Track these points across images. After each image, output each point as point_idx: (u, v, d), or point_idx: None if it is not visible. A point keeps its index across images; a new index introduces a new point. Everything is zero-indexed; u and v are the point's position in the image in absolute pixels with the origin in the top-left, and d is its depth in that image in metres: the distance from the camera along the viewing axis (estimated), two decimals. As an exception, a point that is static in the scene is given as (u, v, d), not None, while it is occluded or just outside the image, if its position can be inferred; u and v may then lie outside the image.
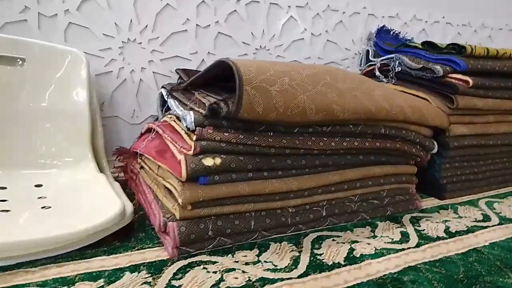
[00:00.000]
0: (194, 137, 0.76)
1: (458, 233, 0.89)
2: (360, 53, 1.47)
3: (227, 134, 0.77)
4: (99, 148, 1.01)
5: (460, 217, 0.99)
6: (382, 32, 1.48)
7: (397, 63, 1.27)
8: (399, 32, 1.52)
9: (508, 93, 1.19)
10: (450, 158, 1.11)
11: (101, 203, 0.80)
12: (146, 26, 1.11)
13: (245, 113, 0.74)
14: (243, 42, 1.25)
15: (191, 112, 0.79)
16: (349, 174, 0.93)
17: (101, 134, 1.03)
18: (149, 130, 1.03)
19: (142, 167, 0.99)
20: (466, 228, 0.91)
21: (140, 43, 1.11)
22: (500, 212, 1.03)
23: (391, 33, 1.50)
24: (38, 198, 0.84)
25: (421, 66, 1.18)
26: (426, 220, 0.95)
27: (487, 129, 1.17)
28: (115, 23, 1.07)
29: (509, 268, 0.75)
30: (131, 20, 1.08)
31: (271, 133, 0.82)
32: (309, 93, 0.81)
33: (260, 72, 0.75)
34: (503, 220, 0.98)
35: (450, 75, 1.13)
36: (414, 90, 1.19)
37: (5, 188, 0.85)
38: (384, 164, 0.99)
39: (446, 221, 0.95)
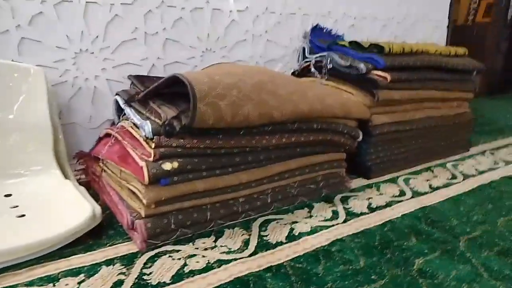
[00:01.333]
0: (153, 145, 0.88)
1: (378, 208, 1.09)
2: (298, 50, 1.62)
3: (182, 141, 0.90)
4: (61, 155, 1.09)
5: (381, 194, 1.19)
6: (316, 30, 1.64)
7: (329, 61, 1.43)
8: (331, 29, 1.68)
9: (421, 84, 1.40)
10: (373, 144, 1.31)
11: (72, 207, 0.90)
12: (97, 36, 1.18)
13: (197, 125, 0.87)
14: (190, 46, 1.35)
15: (148, 122, 0.90)
16: (289, 165, 1.09)
17: (63, 141, 1.10)
18: (107, 135, 1.12)
19: (104, 170, 1.09)
20: (385, 203, 1.12)
21: (92, 52, 1.18)
22: (414, 187, 1.25)
23: (324, 30, 1.66)
24: (11, 207, 0.92)
25: (348, 63, 1.35)
26: (354, 198, 1.15)
27: (404, 116, 1.38)
28: (67, 35, 1.13)
29: (413, 234, 0.95)
30: (82, 32, 1.15)
31: (221, 136, 0.95)
32: (253, 102, 0.94)
33: (211, 88, 0.88)
34: (415, 194, 1.19)
35: (372, 71, 1.32)
36: (343, 85, 1.37)
37: (-24, 200, 0.92)
38: (318, 153, 1.16)
39: (369, 198, 1.15)
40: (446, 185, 1.26)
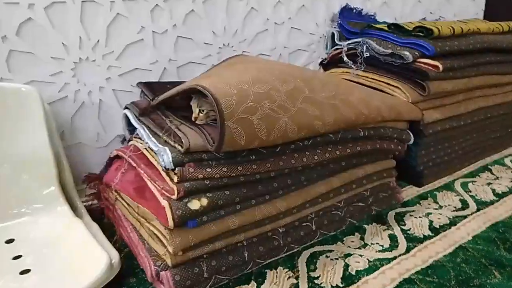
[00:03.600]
0: (176, 178, 0.72)
1: (442, 228, 0.92)
2: (325, 36, 1.43)
3: (210, 170, 0.74)
4: (68, 186, 0.94)
5: (440, 206, 1.02)
6: (345, 11, 1.44)
7: (364, 48, 1.24)
8: (362, 9, 1.47)
9: (474, 70, 1.20)
10: (425, 145, 1.13)
11: (85, 258, 0.75)
12: (98, 41, 1.00)
13: (227, 148, 0.70)
14: (205, 43, 1.17)
15: (168, 150, 0.74)
16: (333, 182, 0.93)
17: (68, 169, 0.95)
18: (118, 157, 0.97)
19: (117, 199, 0.94)
20: (448, 221, 0.95)
21: (94, 60, 1.01)
22: (476, 195, 1.07)
23: (354, 11, 1.46)
24: (13, 258, 0.77)
25: (389, 51, 1.16)
26: (410, 215, 0.98)
27: (457, 109, 1.19)
28: (63, 43, 0.96)
29: (494, 266, 0.79)
30: (80, 37, 0.97)
31: (254, 157, 0.78)
32: (290, 113, 0.77)
33: (241, 101, 0.71)
34: (480, 205, 1.02)
35: (419, 60, 1.12)
36: (384, 77, 1.18)
37: (-28, 252, 0.78)
38: (365, 164, 0.99)
39: (428, 214, 0.98)
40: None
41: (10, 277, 0.72)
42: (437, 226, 0.93)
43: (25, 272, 0.74)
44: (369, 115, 0.91)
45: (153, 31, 1.08)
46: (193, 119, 0.79)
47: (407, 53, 1.11)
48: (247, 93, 0.74)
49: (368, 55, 1.23)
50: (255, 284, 0.76)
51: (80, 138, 1.06)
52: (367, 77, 1.21)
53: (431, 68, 1.10)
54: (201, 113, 0.78)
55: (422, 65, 1.12)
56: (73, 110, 1.02)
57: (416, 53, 1.12)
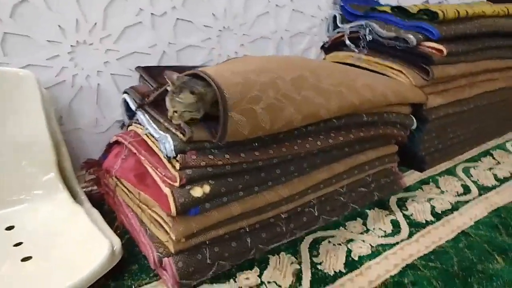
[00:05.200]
0: (178, 165, 0.71)
1: (444, 213, 0.92)
2: (327, 19, 1.40)
3: (212, 157, 0.72)
4: (67, 173, 0.93)
5: (442, 191, 1.02)
6: (348, -7, 1.40)
7: (367, 31, 1.21)
8: (364, -9, 1.44)
9: (479, 54, 1.19)
10: (427, 130, 1.12)
11: (87, 245, 0.75)
12: (95, 24, 0.97)
13: (230, 138, 0.69)
14: (205, 26, 1.14)
15: (169, 138, 0.72)
16: (336, 168, 0.92)
17: (67, 155, 0.94)
18: (118, 142, 0.95)
19: (118, 185, 0.93)
20: (450, 207, 0.94)
21: (92, 44, 0.98)
22: (477, 180, 1.07)
23: (357, -7, 1.42)
24: (14, 245, 0.77)
25: (393, 35, 1.14)
26: (412, 201, 0.98)
27: (461, 94, 1.18)
28: (59, 26, 0.93)
29: (496, 252, 0.79)
30: (77, 20, 0.95)
31: (256, 144, 0.77)
32: (295, 102, 0.76)
33: (245, 91, 0.69)
34: (482, 190, 1.02)
35: (424, 43, 1.10)
36: (388, 62, 1.15)
37: (-28, 239, 0.77)
38: (368, 149, 0.98)
39: (430, 199, 0.98)
40: (513, 174, 1.09)
41: (12, 264, 0.72)
42: (439, 212, 0.93)
43: (26, 259, 0.73)
44: (374, 100, 0.90)
45: (151, 14, 1.05)
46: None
47: (411, 36, 1.09)
48: (252, 82, 0.73)
49: (371, 38, 1.20)
50: (258, 270, 0.76)
51: (79, 124, 1.04)
52: (369, 61, 1.19)
53: (435, 52, 1.08)
54: (175, 113, 0.72)
55: (426, 49, 1.10)
56: (71, 95, 1.00)
57: (420, 36, 1.09)
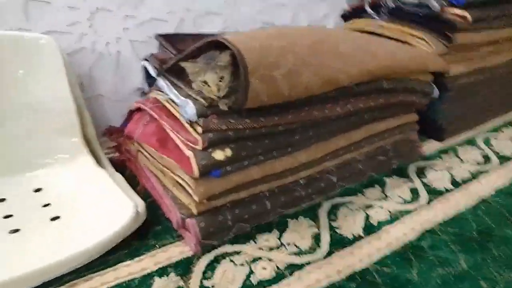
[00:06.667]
0: (200, 129, 0.72)
1: (464, 182, 0.92)
2: (347, -15, 1.36)
3: (233, 121, 0.73)
4: (91, 138, 0.95)
5: (461, 160, 1.01)
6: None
7: (389, -2, 1.18)
8: (386, -44, 1.39)
9: (503, 21, 1.15)
10: (447, 99, 1.10)
11: (112, 206, 0.77)
12: (114, -10, 0.97)
13: (250, 104, 0.69)
14: (223, -8, 1.13)
15: (190, 102, 0.73)
16: (355, 136, 0.92)
17: (90, 121, 0.96)
18: (139, 109, 0.96)
19: (140, 151, 0.95)
20: (470, 175, 0.94)
21: (111, 10, 0.98)
22: (498, 150, 1.06)
23: (378, -43, 1.37)
24: (43, 206, 0.80)
25: (416, 1, 1.11)
26: (431, 169, 0.97)
27: (483, 62, 1.15)
28: (79, -9, 0.94)
29: (516, 218, 0.79)
30: (96, -15, 0.95)
31: (276, 109, 0.77)
32: (313, 67, 0.75)
33: (264, 57, 0.69)
34: (502, 160, 1.01)
35: (447, 9, 1.07)
36: (409, 28, 1.12)
37: (4, 200, 0.81)
38: (387, 118, 0.97)
39: (449, 168, 0.98)
40: (535, 144, 1.07)
41: (42, 223, 0.75)
42: (459, 180, 0.92)
43: (55, 218, 0.76)
44: (394, 67, 0.89)
45: (169, -21, 1.04)
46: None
47: (434, 2, 1.06)
48: (269, 47, 0.72)
49: (393, 5, 1.18)
50: (278, 232, 0.78)
51: (99, 90, 1.06)
52: (390, 28, 1.17)
53: (459, 18, 1.05)
54: (221, 81, 0.69)
55: (449, 15, 1.07)
56: (91, 61, 1.01)
57: (444, 2, 1.06)
